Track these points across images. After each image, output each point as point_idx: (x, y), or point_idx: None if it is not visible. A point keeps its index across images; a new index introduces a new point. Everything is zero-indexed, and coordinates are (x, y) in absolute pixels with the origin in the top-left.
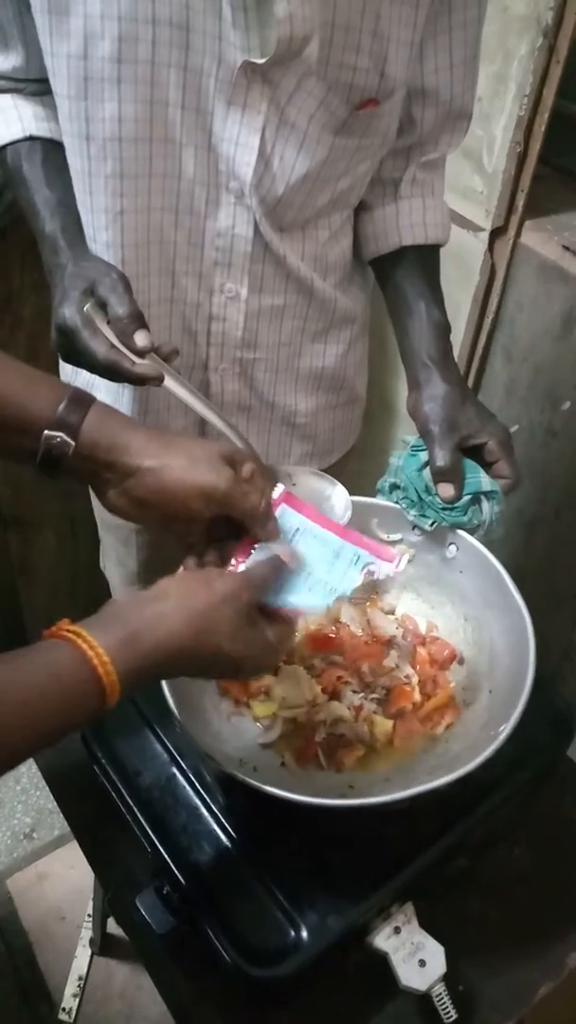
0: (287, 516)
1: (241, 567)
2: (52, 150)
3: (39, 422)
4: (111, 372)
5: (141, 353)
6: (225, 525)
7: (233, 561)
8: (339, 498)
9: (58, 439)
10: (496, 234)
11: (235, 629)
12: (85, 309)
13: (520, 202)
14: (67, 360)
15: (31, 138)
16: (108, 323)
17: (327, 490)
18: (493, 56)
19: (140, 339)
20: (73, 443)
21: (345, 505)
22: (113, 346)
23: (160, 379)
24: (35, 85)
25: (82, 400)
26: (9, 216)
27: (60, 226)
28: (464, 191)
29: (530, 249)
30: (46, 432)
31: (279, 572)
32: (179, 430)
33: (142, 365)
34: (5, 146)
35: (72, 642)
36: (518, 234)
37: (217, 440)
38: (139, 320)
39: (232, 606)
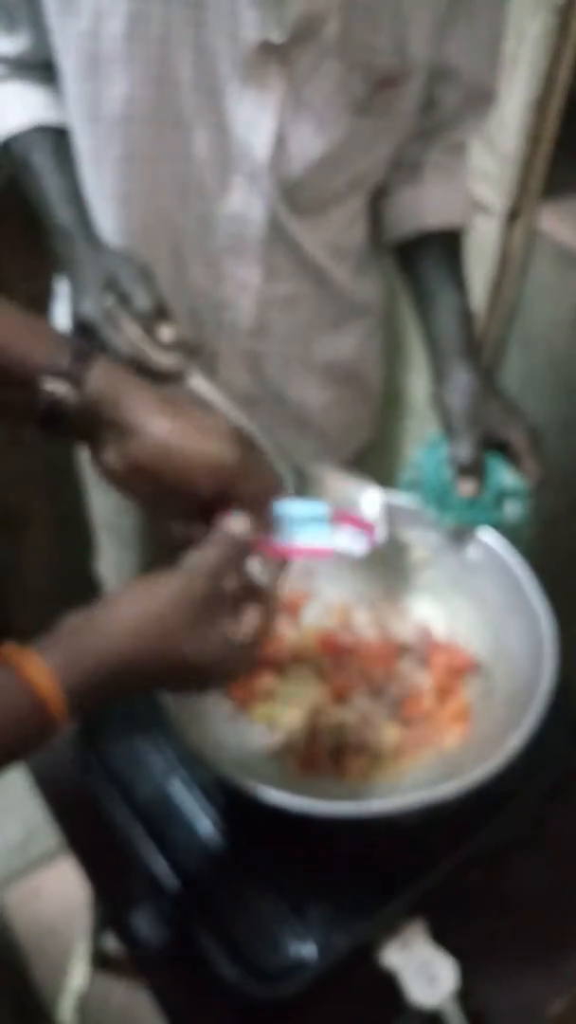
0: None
1: None
2: (62, 138)
3: (40, 372)
4: (135, 369)
5: (166, 348)
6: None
7: None
8: (369, 506)
9: (61, 390)
10: (510, 217)
11: (190, 630)
12: (106, 303)
13: (534, 185)
14: None
15: (40, 127)
16: (130, 316)
17: (356, 497)
18: (505, 36)
19: (166, 333)
20: (77, 394)
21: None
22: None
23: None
24: (42, 71)
25: (86, 352)
26: None
27: (74, 216)
28: (476, 173)
29: (545, 234)
30: (48, 382)
31: (234, 549)
32: None
33: (167, 361)
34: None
35: (15, 668)
36: (532, 218)
37: (223, 416)
38: (164, 313)
39: (181, 606)
